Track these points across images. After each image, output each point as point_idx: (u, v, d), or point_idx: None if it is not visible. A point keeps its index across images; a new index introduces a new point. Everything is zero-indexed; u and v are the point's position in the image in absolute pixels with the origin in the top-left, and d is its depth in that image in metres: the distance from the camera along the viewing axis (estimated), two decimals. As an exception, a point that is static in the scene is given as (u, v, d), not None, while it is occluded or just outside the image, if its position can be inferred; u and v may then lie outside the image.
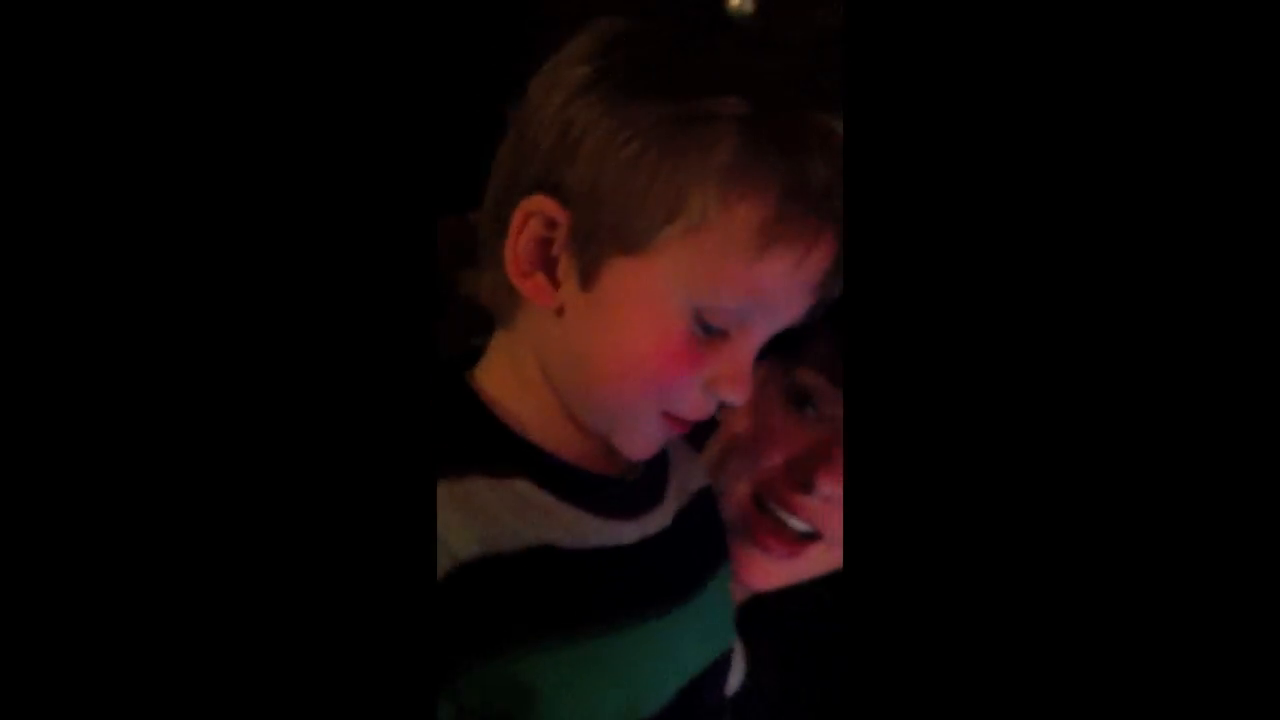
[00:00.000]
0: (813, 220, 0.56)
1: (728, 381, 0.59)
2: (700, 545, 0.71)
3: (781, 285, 0.58)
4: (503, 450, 0.60)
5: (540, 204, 0.58)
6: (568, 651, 0.58)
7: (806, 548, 0.77)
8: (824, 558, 0.78)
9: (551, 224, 0.58)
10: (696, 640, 0.67)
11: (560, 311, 0.59)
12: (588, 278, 0.57)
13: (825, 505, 0.75)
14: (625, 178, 0.55)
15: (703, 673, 0.67)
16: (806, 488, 0.75)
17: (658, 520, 0.66)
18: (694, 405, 0.60)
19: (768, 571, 0.78)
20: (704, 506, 0.72)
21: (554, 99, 0.58)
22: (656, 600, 0.64)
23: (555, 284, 0.58)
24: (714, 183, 0.55)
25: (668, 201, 0.55)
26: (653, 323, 0.57)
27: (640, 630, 0.62)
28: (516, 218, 0.58)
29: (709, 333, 0.58)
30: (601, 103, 0.56)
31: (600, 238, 0.57)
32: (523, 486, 0.60)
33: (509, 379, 0.62)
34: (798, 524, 0.76)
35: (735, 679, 0.75)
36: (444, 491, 0.56)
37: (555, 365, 0.61)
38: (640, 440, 0.62)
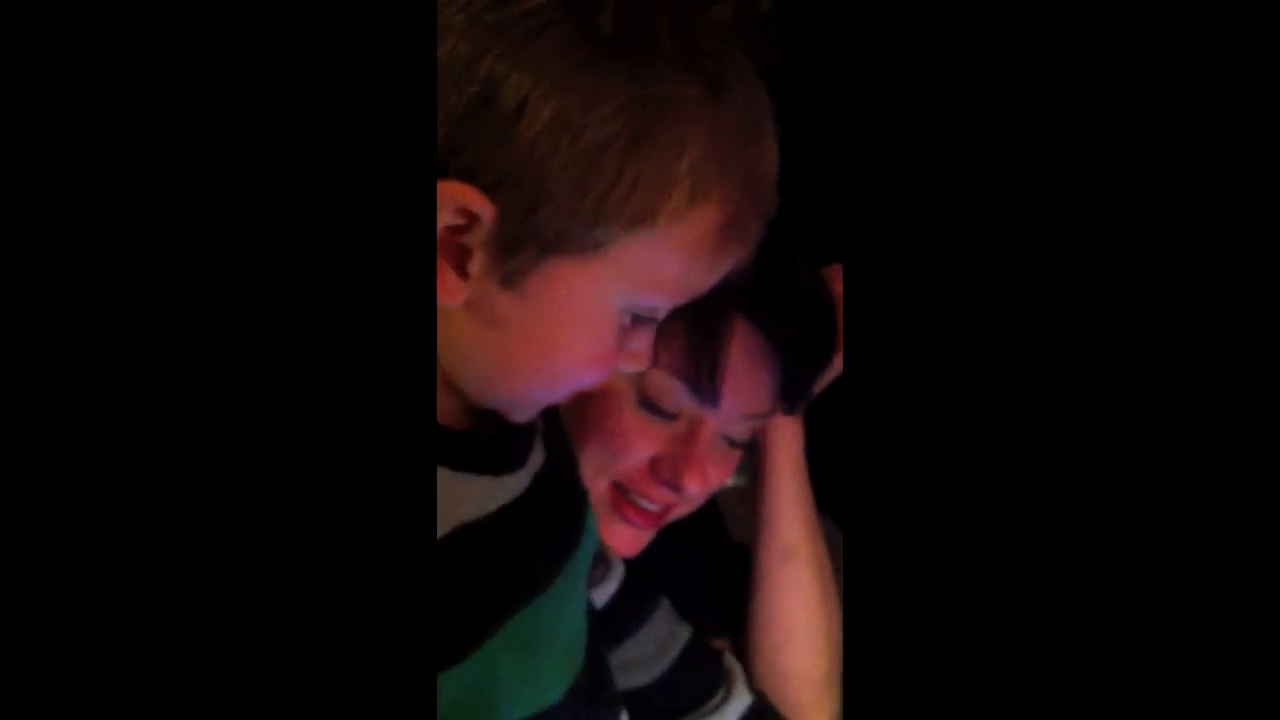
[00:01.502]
0: (761, 215, 0.52)
1: (635, 359, 0.55)
2: (569, 461, 0.67)
3: (716, 279, 0.53)
4: None
5: (457, 194, 0.47)
6: (516, 627, 0.55)
7: (670, 513, 0.80)
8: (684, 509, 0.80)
9: (468, 215, 0.48)
10: (588, 556, 0.65)
11: (468, 305, 0.50)
12: (513, 281, 0.49)
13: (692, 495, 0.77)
14: (580, 176, 0.47)
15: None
16: (674, 488, 0.76)
17: (536, 458, 0.61)
18: (598, 382, 0.55)
19: (635, 538, 0.79)
20: (552, 419, 0.66)
21: (468, 40, 0.46)
22: (564, 537, 0.62)
23: (463, 277, 0.49)
24: (684, 189, 0.48)
25: (630, 209, 0.48)
26: (587, 325, 0.51)
27: (562, 574, 0.60)
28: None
29: (634, 322, 0.53)
30: (552, 64, 0.46)
31: (536, 240, 0.48)
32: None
33: None
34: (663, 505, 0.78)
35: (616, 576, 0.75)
36: None
37: (453, 355, 0.52)
38: (533, 412, 0.58)
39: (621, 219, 0.48)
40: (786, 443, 0.86)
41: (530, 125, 0.46)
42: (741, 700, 0.81)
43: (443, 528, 0.52)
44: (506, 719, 0.55)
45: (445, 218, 0.48)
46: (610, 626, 0.72)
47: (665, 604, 0.79)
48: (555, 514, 0.62)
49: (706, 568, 0.93)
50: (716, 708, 0.79)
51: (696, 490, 0.76)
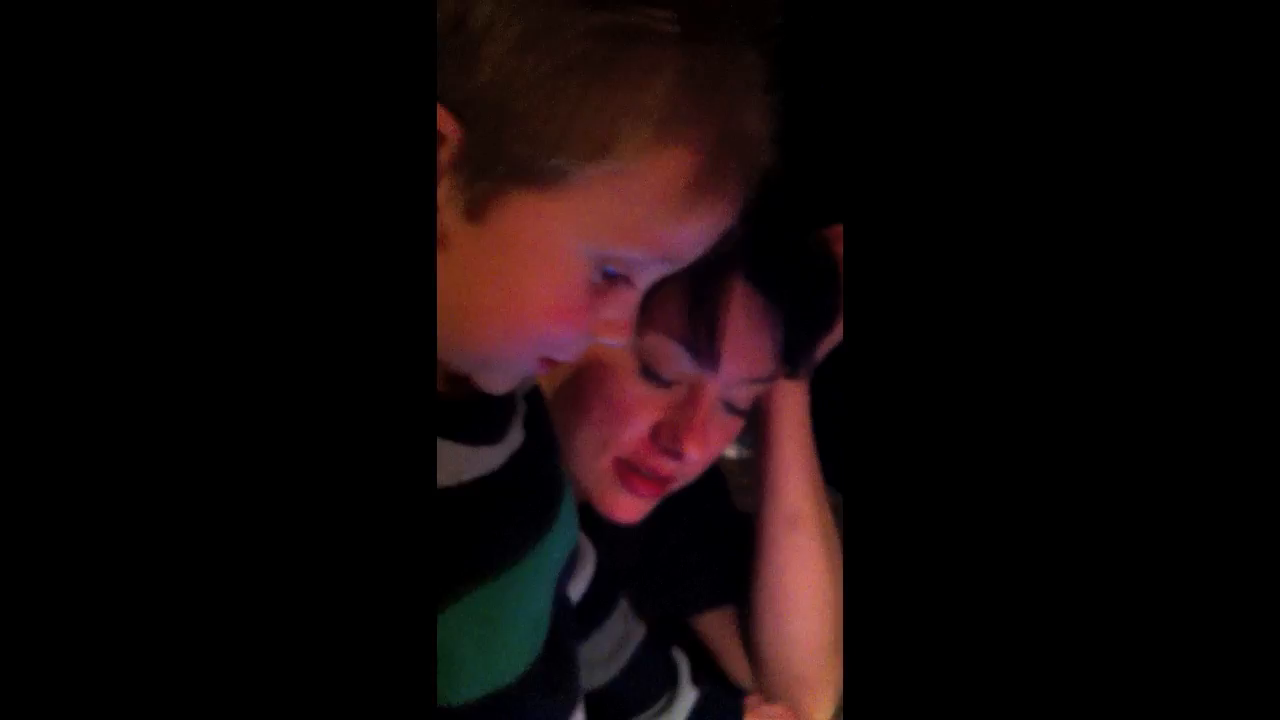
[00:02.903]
0: (741, 176, 0.50)
1: (614, 329, 0.53)
2: (548, 448, 0.65)
3: (695, 240, 0.52)
4: None
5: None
6: (479, 600, 0.54)
7: (673, 481, 0.78)
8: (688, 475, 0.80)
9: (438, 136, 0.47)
10: (563, 547, 0.64)
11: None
12: (476, 209, 0.48)
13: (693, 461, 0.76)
14: (544, 99, 0.46)
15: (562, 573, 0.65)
16: (675, 455, 0.75)
17: (515, 437, 0.60)
18: (574, 350, 0.54)
19: (637, 507, 0.78)
20: (536, 406, 0.65)
21: None
22: (537, 520, 0.61)
23: None
24: (650, 121, 0.47)
25: (593, 136, 0.47)
26: (551, 268, 0.50)
27: (531, 555, 0.59)
28: None
29: (605, 278, 0.51)
30: None
31: (500, 166, 0.48)
32: None
33: None
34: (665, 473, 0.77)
35: (586, 575, 0.75)
36: None
37: None
38: (506, 380, 0.56)
39: (584, 147, 0.47)
40: (791, 409, 0.85)
41: (496, 46, 0.46)
42: (687, 697, 0.80)
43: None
44: (459, 694, 0.54)
45: None
46: (576, 623, 0.71)
47: (623, 603, 0.78)
48: (529, 496, 0.61)
49: (712, 538, 0.93)
50: (664, 709, 0.78)
51: (697, 456, 0.75)
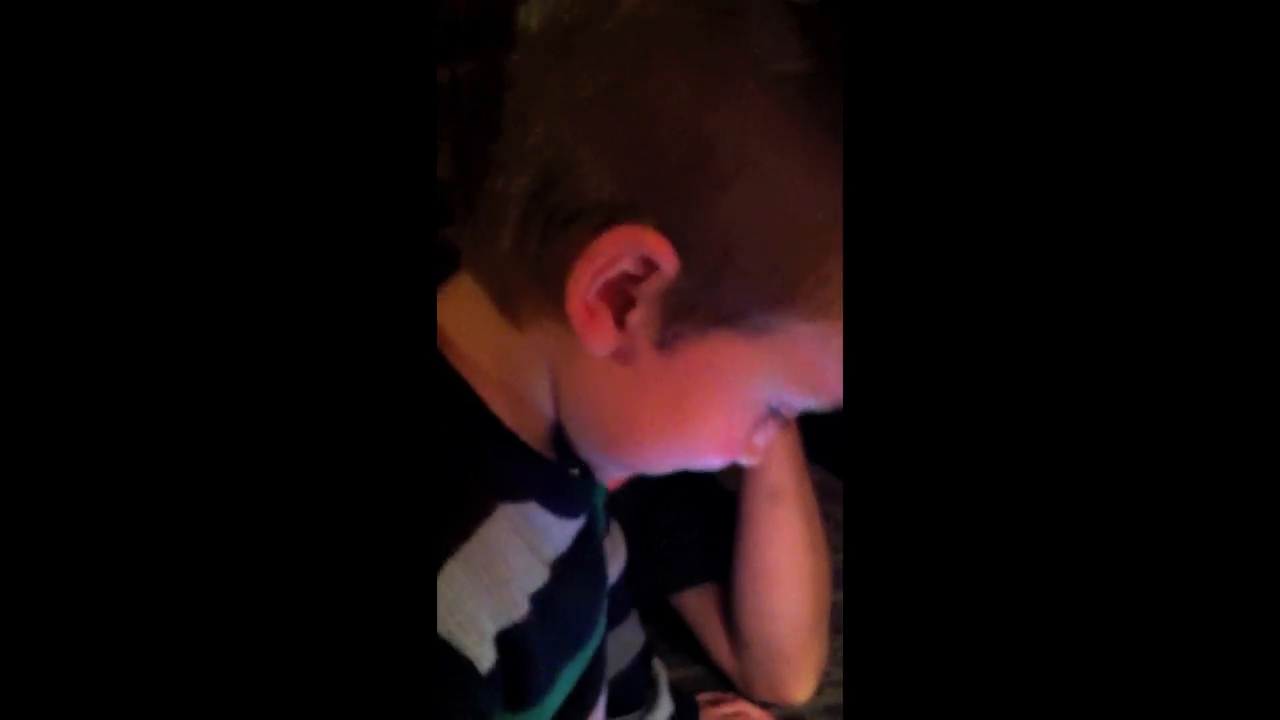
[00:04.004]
0: None
1: (754, 453, 0.51)
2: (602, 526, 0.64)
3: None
4: (517, 464, 0.49)
5: (648, 243, 0.43)
6: (565, 680, 0.53)
7: None
8: None
9: (648, 264, 0.44)
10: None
11: (613, 356, 0.46)
12: (671, 343, 0.45)
13: None
14: (775, 259, 0.43)
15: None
16: None
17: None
18: (713, 468, 0.52)
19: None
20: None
21: (687, 82, 0.42)
22: (603, 579, 0.60)
23: (620, 326, 0.45)
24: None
25: (820, 300, 0.44)
26: (731, 408, 0.47)
27: (603, 616, 0.59)
28: (603, 244, 0.43)
29: (770, 415, 0.49)
30: (785, 138, 0.42)
31: (715, 311, 0.44)
32: (533, 510, 0.50)
33: (499, 388, 0.48)
34: None
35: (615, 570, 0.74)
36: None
37: (578, 401, 0.49)
38: (623, 475, 0.55)
39: (805, 309, 0.44)
40: None
41: (740, 195, 0.42)
42: (664, 708, 0.79)
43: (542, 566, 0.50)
44: None
45: (626, 263, 0.44)
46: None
47: (635, 611, 0.77)
48: (597, 544, 0.60)
49: (696, 516, 0.92)
50: (641, 717, 0.78)
51: None
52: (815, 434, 0.89)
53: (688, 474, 0.87)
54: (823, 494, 0.91)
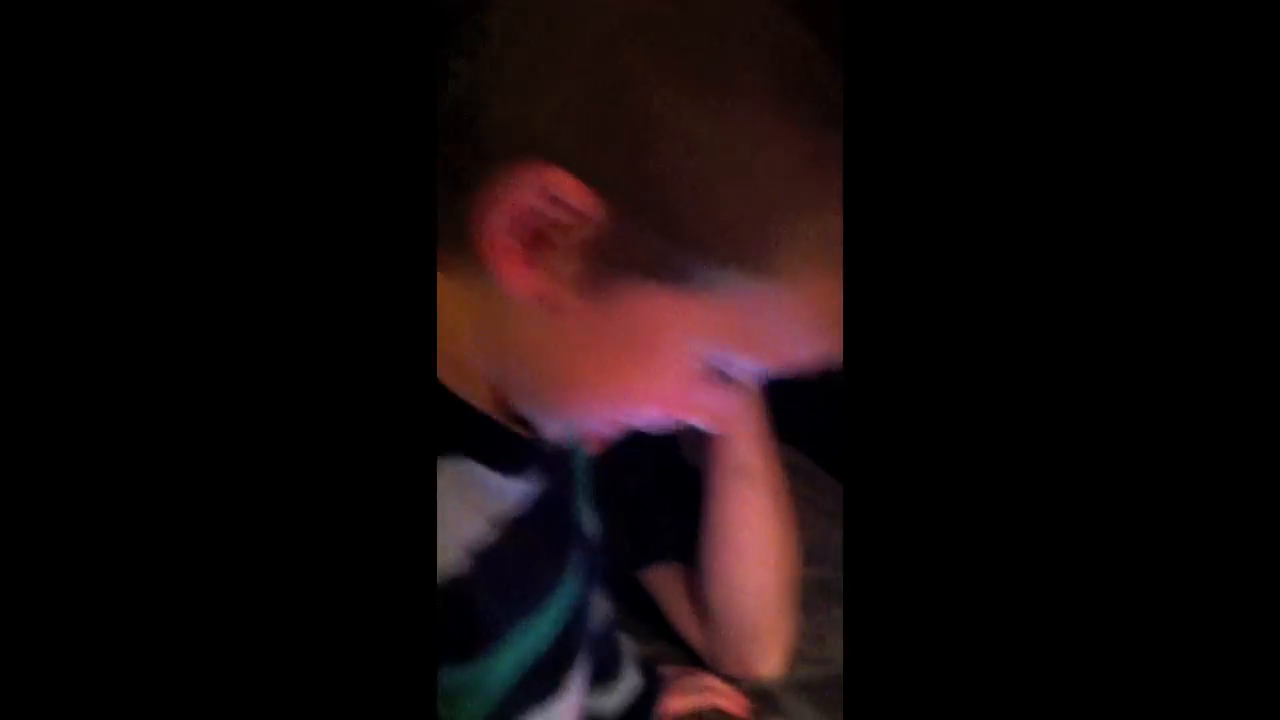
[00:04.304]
0: None
1: (709, 418, 0.50)
2: (570, 459, 0.63)
3: (826, 362, 0.46)
4: (452, 419, 0.49)
5: (564, 186, 0.41)
6: (518, 636, 0.53)
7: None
8: None
9: (570, 211, 0.42)
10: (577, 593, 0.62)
11: (540, 303, 0.45)
12: (599, 293, 0.44)
13: None
14: (707, 206, 0.41)
15: None
16: None
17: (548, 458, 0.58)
18: (657, 428, 0.50)
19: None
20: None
21: (646, 60, 0.40)
22: (569, 544, 0.60)
23: (547, 272, 0.44)
24: (812, 246, 0.42)
25: (752, 253, 0.42)
26: (663, 365, 0.45)
27: (566, 580, 0.58)
28: (509, 178, 0.42)
29: (712, 372, 0.47)
30: (720, 93, 0.40)
31: (639, 258, 0.43)
32: (471, 466, 0.50)
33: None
34: None
35: None
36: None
37: (508, 354, 0.48)
38: (567, 432, 0.54)
39: (739, 262, 0.42)
40: None
41: (673, 143, 0.41)
42: (629, 681, 0.80)
43: (478, 526, 0.50)
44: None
45: (532, 199, 0.42)
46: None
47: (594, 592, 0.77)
48: (564, 507, 0.59)
49: (663, 493, 0.93)
50: (608, 688, 0.78)
51: None
52: (786, 414, 0.90)
53: (656, 451, 0.89)
54: (793, 473, 0.91)
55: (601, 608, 0.77)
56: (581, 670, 0.63)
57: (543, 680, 0.57)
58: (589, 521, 0.67)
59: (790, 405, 0.90)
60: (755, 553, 0.86)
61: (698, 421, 0.51)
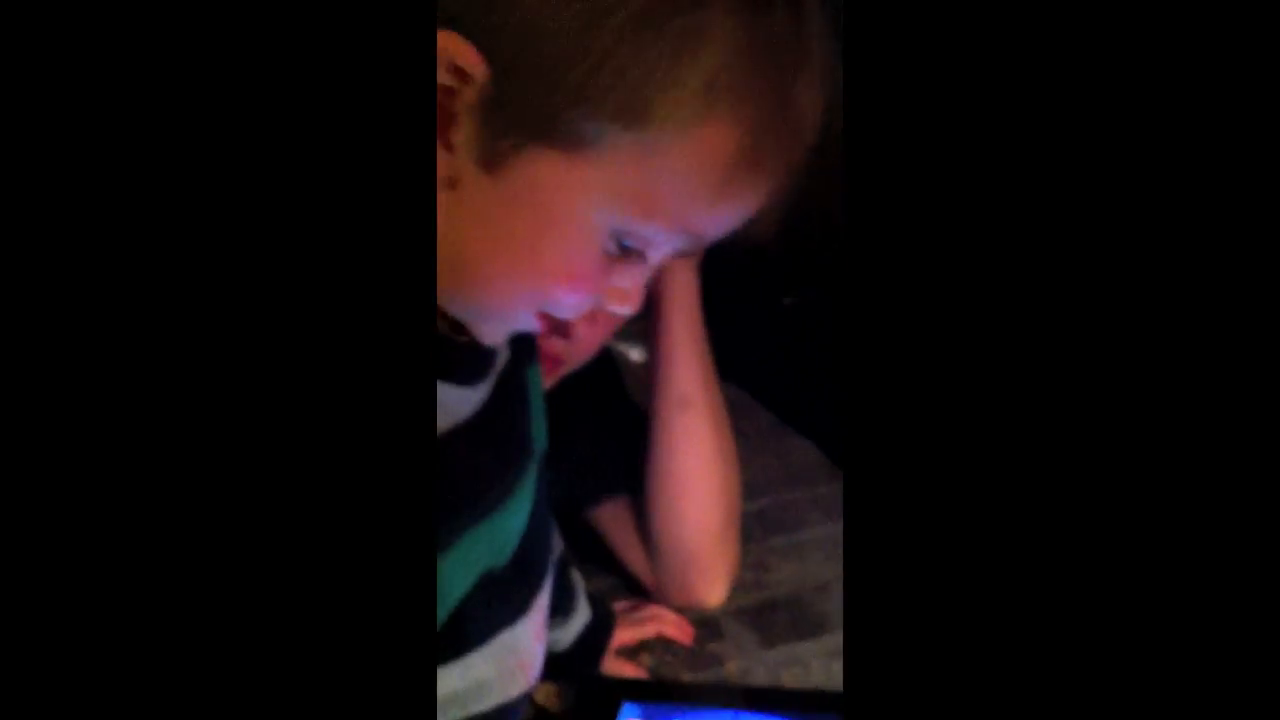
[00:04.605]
0: (785, 159, 0.46)
1: (623, 298, 0.50)
2: (522, 374, 0.64)
3: (723, 223, 0.48)
4: None
5: (451, 44, 0.43)
6: (471, 541, 0.54)
7: (561, 364, 0.79)
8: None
9: (459, 74, 0.44)
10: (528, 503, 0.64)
11: (446, 185, 0.46)
12: (495, 159, 0.45)
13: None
14: (579, 51, 0.42)
15: None
16: (564, 334, 0.72)
17: (501, 360, 0.59)
18: (577, 311, 0.50)
19: None
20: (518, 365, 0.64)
21: None
22: (523, 449, 0.61)
23: (445, 147, 0.45)
24: (694, 94, 0.43)
25: (629, 102, 0.43)
26: (564, 234, 0.46)
27: (519, 488, 0.59)
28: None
29: (621, 251, 0.48)
30: None
31: (526, 118, 0.44)
32: None
33: None
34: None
35: None
36: None
37: None
38: (500, 332, 0.54)
39: (618, 111, 0.43)
40: (681, 293, 0.86)
41: None
42: (582, 614, 0.81)
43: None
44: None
45: (439, 74, 0.43)
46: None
47: (551, 523, 0.78)
48: (515, 420, 0.59)
49: (608, 430, 0.94)
50: (559, 624, 0.80)
51: (585, 333, 0.75)
52: (727, 351, 0.91)
53: (597, 388, 0.89)
54: (733, 409, 0.93)
55: (558, 542, 0.78)
56: (545, 594, 0.64)
57: (508, 599, 0.58)
58: (541, 436, 0.68)
59: (728, 340, 0.91)
60: (698, 484, 0.87)
61: (617, 305, 0.51)
